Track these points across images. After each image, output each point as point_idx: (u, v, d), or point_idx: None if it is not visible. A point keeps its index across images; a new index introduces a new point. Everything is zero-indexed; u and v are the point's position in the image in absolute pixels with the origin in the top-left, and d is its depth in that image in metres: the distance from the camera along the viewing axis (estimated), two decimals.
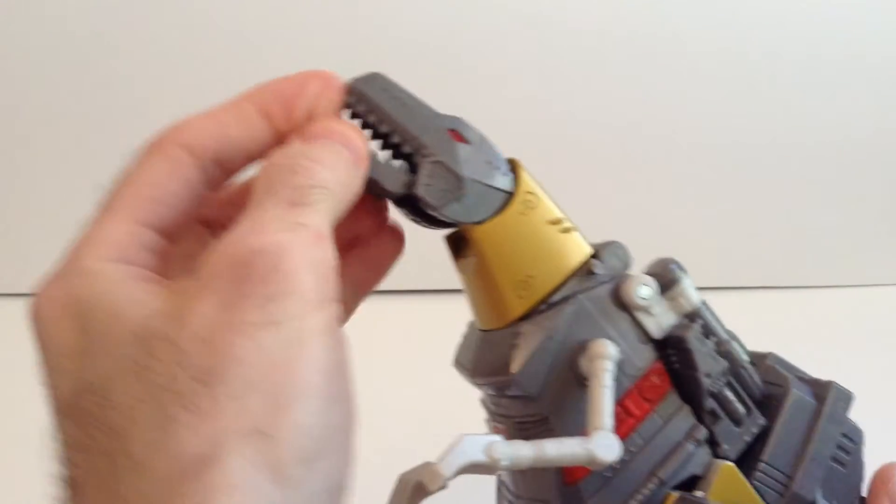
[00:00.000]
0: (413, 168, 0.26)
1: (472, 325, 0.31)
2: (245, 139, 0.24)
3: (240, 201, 0.24)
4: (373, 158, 0.26)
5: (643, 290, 0.28)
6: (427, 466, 0.34)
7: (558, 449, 0.25)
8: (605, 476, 0.27)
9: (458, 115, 0.27)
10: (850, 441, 0.30)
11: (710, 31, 0.68)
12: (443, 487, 0.24)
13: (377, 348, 0.62)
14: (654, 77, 0.68)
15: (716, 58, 0.68)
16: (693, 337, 0.28)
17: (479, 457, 0.24)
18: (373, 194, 0.26)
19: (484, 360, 0.29)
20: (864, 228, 0.74)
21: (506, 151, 0.28)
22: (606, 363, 0.27)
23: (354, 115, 0.26)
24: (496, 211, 0.27)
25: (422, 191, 0.26)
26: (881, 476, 0.30)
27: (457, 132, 0.27)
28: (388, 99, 0.26)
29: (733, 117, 0.70)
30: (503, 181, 0.27)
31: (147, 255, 0.23)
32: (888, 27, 0.70)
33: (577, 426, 0.26)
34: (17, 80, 0.64)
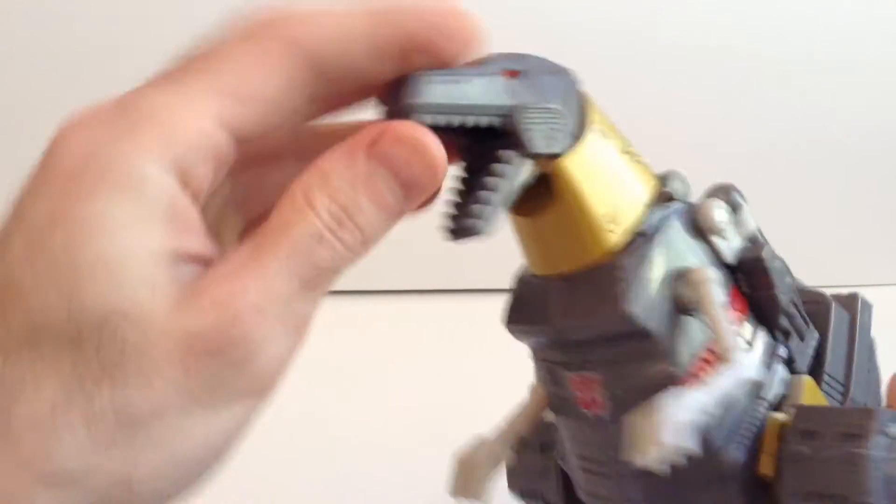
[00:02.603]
0: (500, 132, 0.23)
1: (525, 279, 0.28)
2: (372, 63, 0.19)
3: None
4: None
5: (720, 214, 0.28)
6: (486, 440, 0.31)
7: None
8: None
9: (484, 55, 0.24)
10: (872, 348, 0.32)
11: (708, 32, 0.68)
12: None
13: (377, 348, 0.60)
14: (650, 77, 0.67)
15: (713, 58, 0.68)
16: (770, 255, 0.28)
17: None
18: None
19: (577, 303, 0.26)
20: (865, 228, 0.74)
21: None
22: (713, 286, 0.26)
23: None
24: (575, 141, 0.25)
25: (541, 146, 0.23)
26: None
27: (507, 71, 0.24)
28: (442, 91, 0.21)
29: (732, 118, 0.70)
30: (569, 77, 0.25)
31: (208, 173, 0.18)
32: (889, 27, 0.71)
33: (685, 353, 0.26)
34: (19, 81, 0.62)
